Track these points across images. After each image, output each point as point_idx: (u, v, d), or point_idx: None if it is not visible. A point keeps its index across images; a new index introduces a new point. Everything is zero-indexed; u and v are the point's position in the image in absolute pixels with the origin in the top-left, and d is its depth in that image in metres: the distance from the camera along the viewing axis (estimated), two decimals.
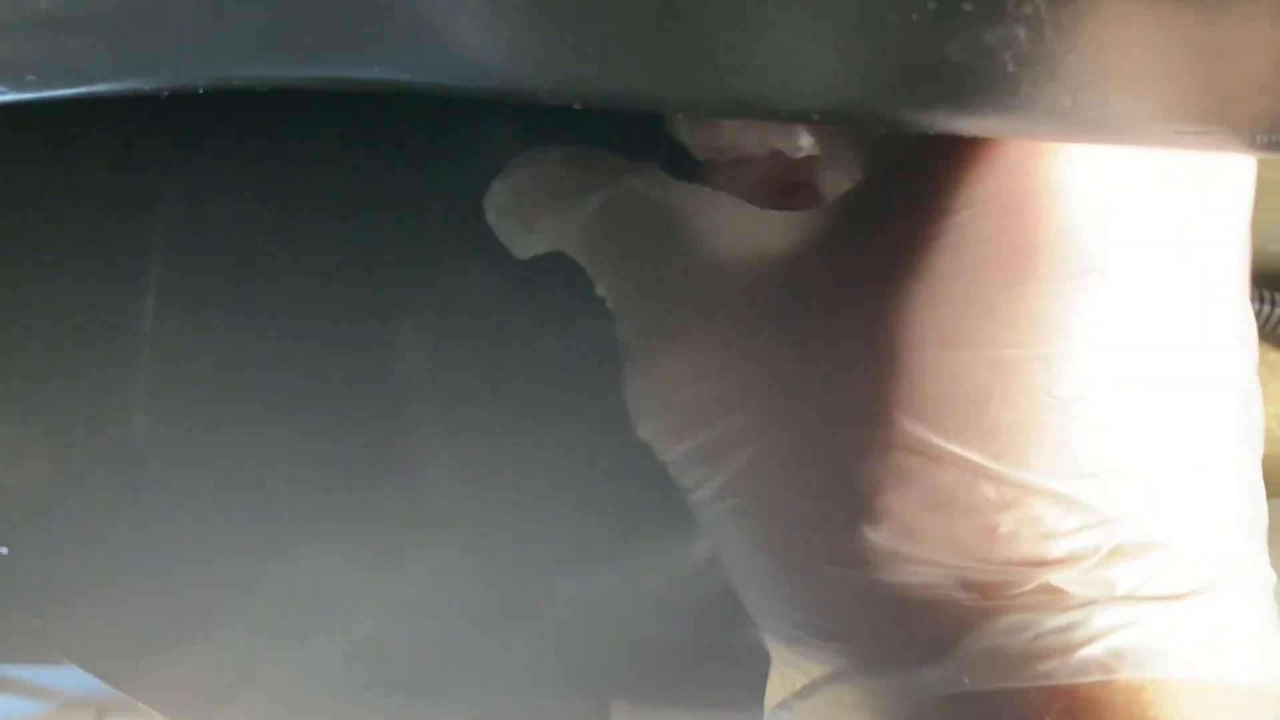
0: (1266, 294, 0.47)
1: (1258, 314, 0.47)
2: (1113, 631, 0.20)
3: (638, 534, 0.36)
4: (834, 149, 0.25)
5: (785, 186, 0.29)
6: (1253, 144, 0.18)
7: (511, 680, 0.36)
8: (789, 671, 0.24)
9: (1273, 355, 0.48)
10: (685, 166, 0.29)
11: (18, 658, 0.39)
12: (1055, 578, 0.20)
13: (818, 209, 0.24)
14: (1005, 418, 0.20)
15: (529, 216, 0.27)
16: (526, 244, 0.28)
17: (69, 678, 0.43)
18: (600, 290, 0.25)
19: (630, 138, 0.26)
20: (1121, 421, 0.21)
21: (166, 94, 0.16)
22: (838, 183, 0.25)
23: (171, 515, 0.34)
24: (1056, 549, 0.20)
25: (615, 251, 0.25)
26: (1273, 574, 0.22)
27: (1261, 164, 0.45)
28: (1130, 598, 0.20)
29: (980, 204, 0.21)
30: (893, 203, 0.22)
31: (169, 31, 0.15)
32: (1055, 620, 0.20)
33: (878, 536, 0.21)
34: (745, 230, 0.24)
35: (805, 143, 0.26)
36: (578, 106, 0.17)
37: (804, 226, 0.23)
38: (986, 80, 0.16)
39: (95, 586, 0.33)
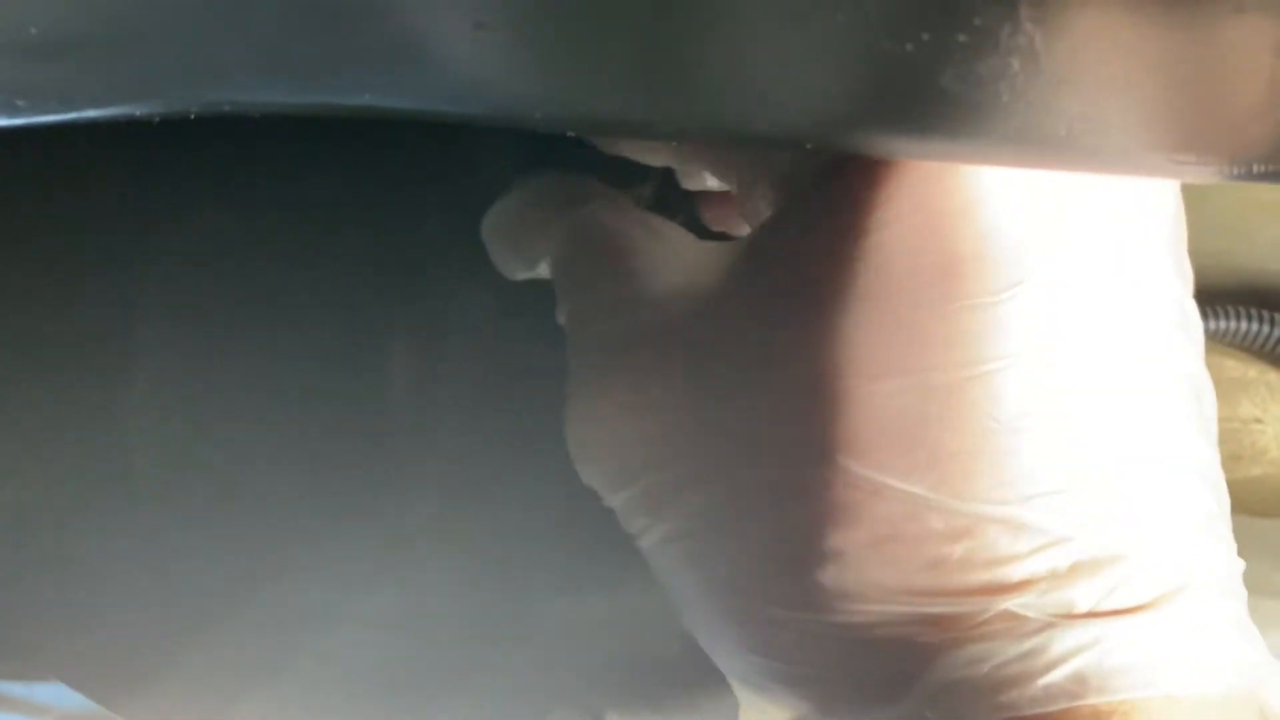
0: (1266, 314, 0.47)
1: (1258, 335, 0.47)
2: (1075, 654, 0.19)
3: (631, 553, 0.36)
4: (748, 179, 0.24)
5: None
6: (1249, 172, 0.18)
7: (503, 699, 0.36)
8: (754, 715, 0.23)
9: (1272, 375, 0.48)
10: (677, 189, 0.29)
11: (11, 674, 0.39)
12: (1013, 603, 0.20)
13: (738, 241, 0.23)
14: (945, 445, 0.19)
15: (517, 241, 0.27)
16: (513, 268, 0.28)
17: (63, 694, 0.43)
18: (559, 318, 0.25)
19: (622, 160, 0.26)
20: (1067, 435, 0.20)
21: (157, 119, 0.16)
22: (754, 210, 0.24)
23: (162, 533, 0.34)
24: (1011, 574, 0.20)
25: (568, 280, 0.25)
26: (1241, 563, 0.22)
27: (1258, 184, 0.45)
28: (1092, 615, 0.20)
29: (896, 223, 0.20)
30: (809, 230, 0.21)
31: (159, 58, 0.15)
32: (1015, 648, 0.19)
33: (827, 577, 0.20)
34: (685, 259, 0.23)
35: (711, 182, 0.26)
36: (571, 134, 0.17)
37: (727, 257, 0.23)
38: (981, 109, 0.16)
39: (85, 605, 0.33)
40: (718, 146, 0.24)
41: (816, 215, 0.21)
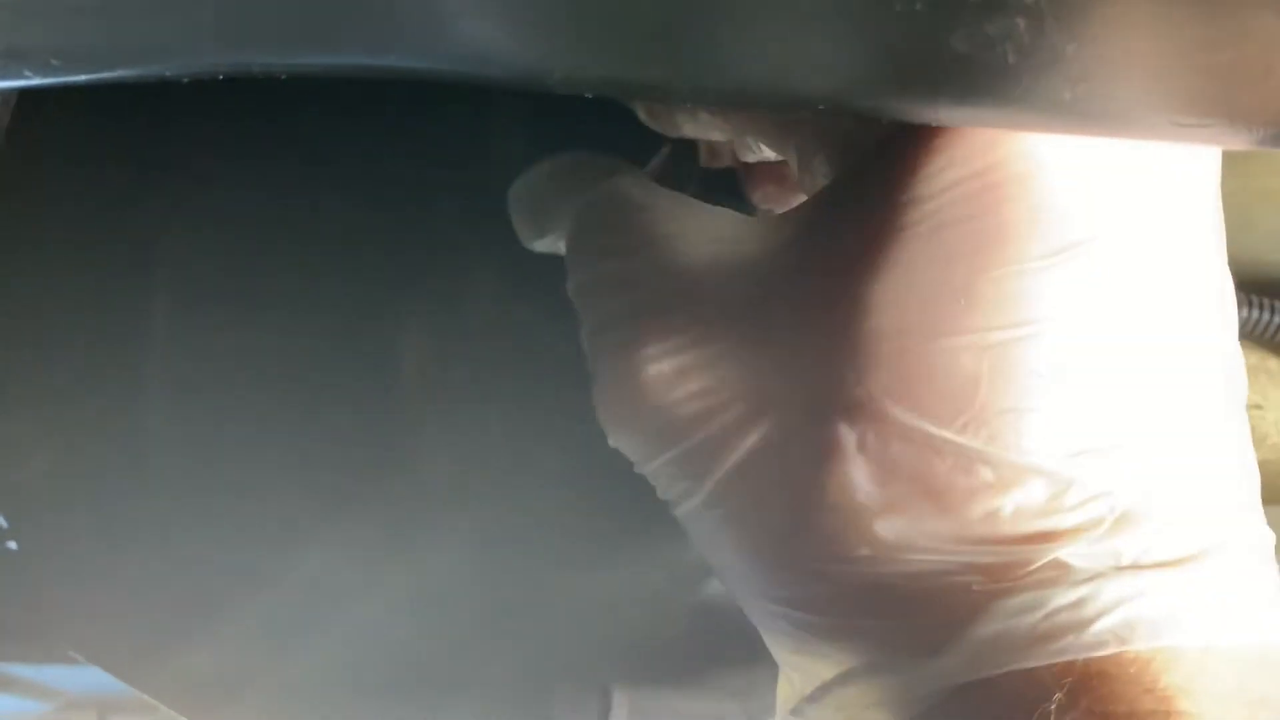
0: (1267, 302, 0.48)
1: (1259, 322, 0.47)
2: (1124, 602, 0.20)
3: (642, 532, 0.36)
4: (806, 151, 0.25)
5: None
6: (1251, 137, 0.18)
7: (516, 676, 0.36)
8: (796, 677, 0.23)
9: (1272, 362, 0.49)
10: (690, 163, 0.29)
11: (26, 656, 0.39)
12: (1062, 552, 0.20)
13: (793, 209, 0.24)
14: (996, 401, 0.20)
15: (538, 211, 0.27)
16: (532, 238, 0.29)
17: (72, 677, 0.43)
18: (569, 288, 0.25)
19: (635, 134, 0.27)
20: (1111, 394, 0.21)
21: (186, 80, 0.16)
22: (811, 181, 0.25)
23: (180, 511, 0.34)
24: (1060, 525, 0.20)
25: (590, 249, 0.25)
26: (1271, 534, 0.22)
27: (1261, 171, 0.46)
28: (1135, 566, 0.20)
29: (953, 188, 0.21)
30: (866, 194, 0.22)
31: (191, 17, 0.15)
32: (1065, 596, 0.20)
33: (882, 528, 0.21)
34: (723, 232, 0.24)
35: (768, 154, 0.26)
36: (588, 95, 0.17)
37: (781, 226, 0.23)
38: (988, 71, 0.16)
39: (105, 582, 0.33)
40: (779, 119, 0.25)
41: (875, 180, 0.22)
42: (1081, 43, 0.16)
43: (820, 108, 0.17)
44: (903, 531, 0.21)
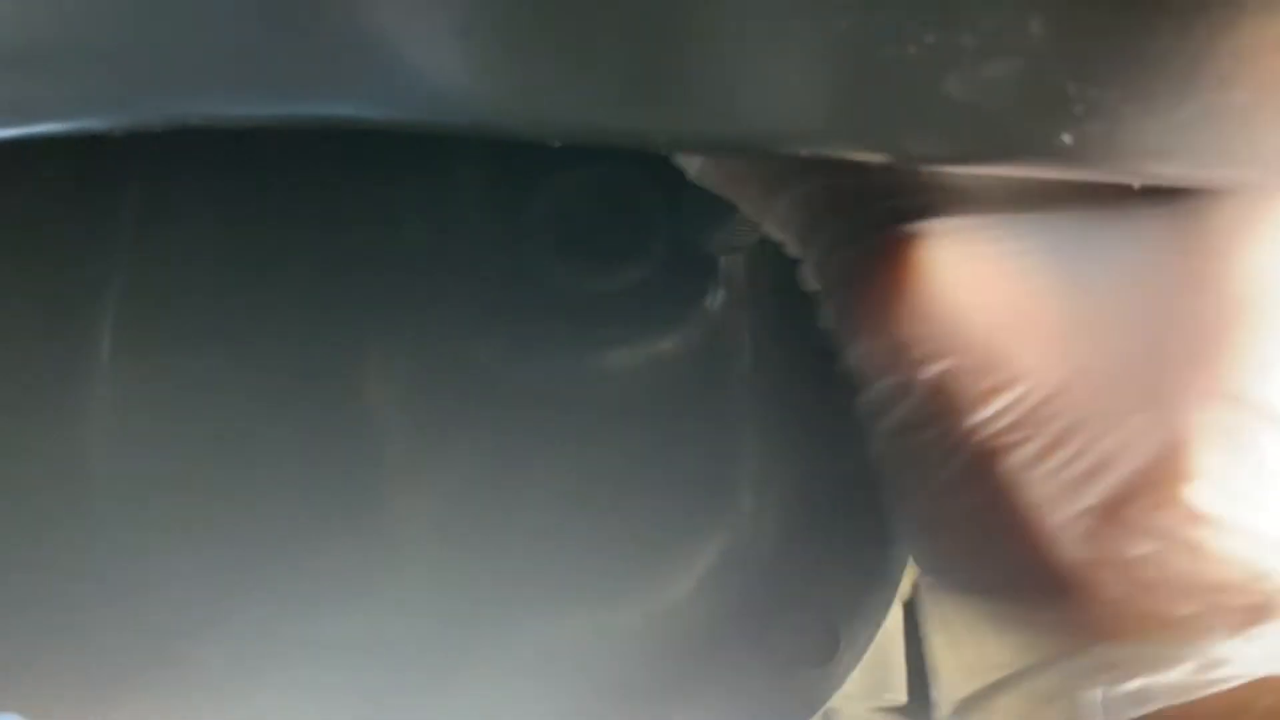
0: None
1: None
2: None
3: (617, 571, 0.35)
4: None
5: None
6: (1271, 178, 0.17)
7: (489, 717, 0.35)
8: (968, 656, 0.22)
9: None
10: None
11: None
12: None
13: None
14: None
15: (806, 229, 0.23)
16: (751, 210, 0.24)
17: None
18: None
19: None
20: None
21: (119, 134, 0.15)
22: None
23: (128, 560, 0.33)
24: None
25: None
26: None
27: None
28: None
29: None
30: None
31: (121, 68, 0.14)
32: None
33: (1196, 497, 0.19)
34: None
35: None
36: (556, 144, 0.16)
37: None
38: (986, 116, 0.15)
39: (48, 636, 0.32)
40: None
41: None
42: (1083, 84, 0.15)
43: (802, 153, 0.16)
44: (1222, 504, 0.19)
